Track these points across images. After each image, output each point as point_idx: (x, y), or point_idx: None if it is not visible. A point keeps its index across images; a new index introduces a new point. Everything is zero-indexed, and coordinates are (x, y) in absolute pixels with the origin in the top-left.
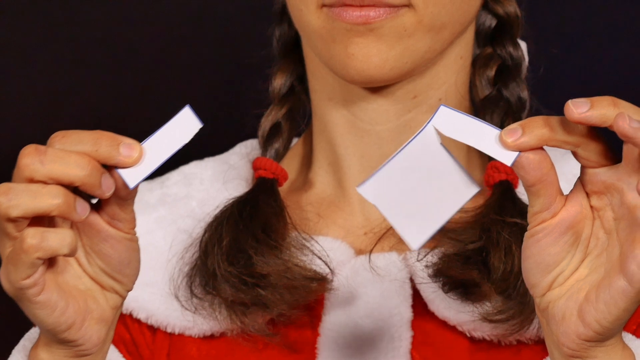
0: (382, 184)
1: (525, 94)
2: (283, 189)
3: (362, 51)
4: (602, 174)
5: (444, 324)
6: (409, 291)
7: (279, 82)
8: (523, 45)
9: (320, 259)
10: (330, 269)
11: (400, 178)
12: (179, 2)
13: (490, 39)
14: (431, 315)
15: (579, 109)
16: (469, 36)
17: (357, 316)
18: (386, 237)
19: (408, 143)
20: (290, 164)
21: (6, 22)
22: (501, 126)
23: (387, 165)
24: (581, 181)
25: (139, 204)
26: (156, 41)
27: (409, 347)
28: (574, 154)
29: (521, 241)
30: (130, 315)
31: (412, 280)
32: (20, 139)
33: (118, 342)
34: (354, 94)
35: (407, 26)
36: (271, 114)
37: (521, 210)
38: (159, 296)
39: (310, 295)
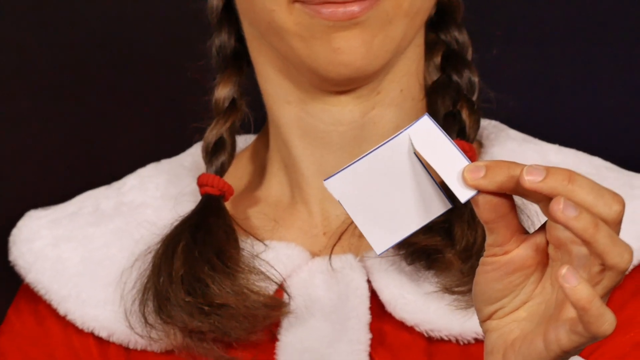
0: (349, 181)
1: (475, 77)
2: (235, 194)
3: (347, 44)
4: (560, 231)
5: (401, 325)
6: (366, 293)
7: (222, 95)
8: None
9: (270, 279)
10: (283, 279)
11: (369, 179)
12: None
13: (433, 26)
14: (389, 317)
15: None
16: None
17: (315, 319)
18: (343, 237)
19: (381, 145)
20: (247, 166)
21: (6, 22)
22: (454, 108)
23: (356, 163)
24: (545, 227)
25: (95, 214)
26: (154, 40)
27: (368, 349)
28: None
29: None
30: (86, 332)
31: (369, 281)
32: (19, 140)
33: None
34: (315, 96)
35: (389, 11)
36: (215, 128)
37: None
38: (119, 313)
39: (268, 320)
